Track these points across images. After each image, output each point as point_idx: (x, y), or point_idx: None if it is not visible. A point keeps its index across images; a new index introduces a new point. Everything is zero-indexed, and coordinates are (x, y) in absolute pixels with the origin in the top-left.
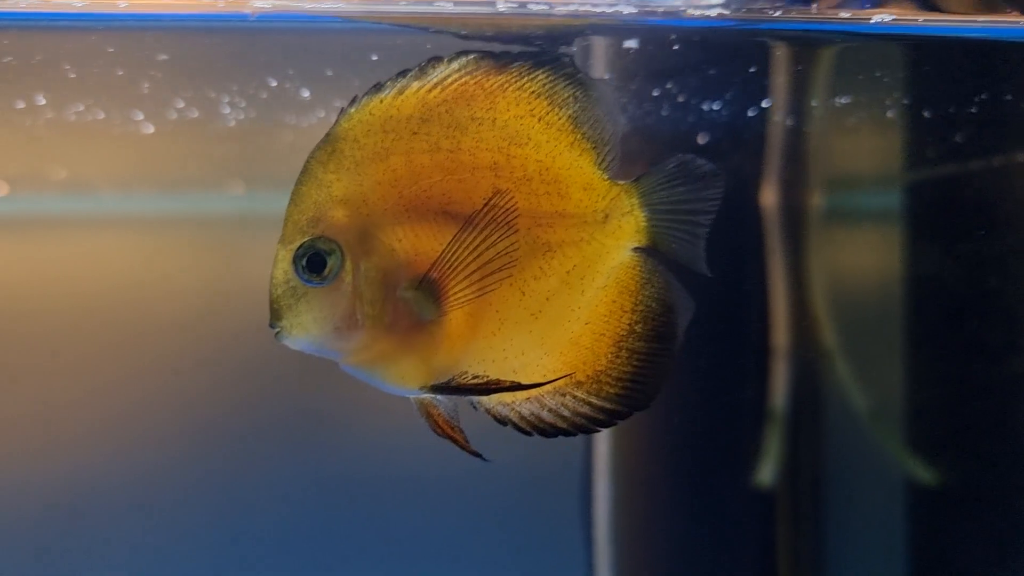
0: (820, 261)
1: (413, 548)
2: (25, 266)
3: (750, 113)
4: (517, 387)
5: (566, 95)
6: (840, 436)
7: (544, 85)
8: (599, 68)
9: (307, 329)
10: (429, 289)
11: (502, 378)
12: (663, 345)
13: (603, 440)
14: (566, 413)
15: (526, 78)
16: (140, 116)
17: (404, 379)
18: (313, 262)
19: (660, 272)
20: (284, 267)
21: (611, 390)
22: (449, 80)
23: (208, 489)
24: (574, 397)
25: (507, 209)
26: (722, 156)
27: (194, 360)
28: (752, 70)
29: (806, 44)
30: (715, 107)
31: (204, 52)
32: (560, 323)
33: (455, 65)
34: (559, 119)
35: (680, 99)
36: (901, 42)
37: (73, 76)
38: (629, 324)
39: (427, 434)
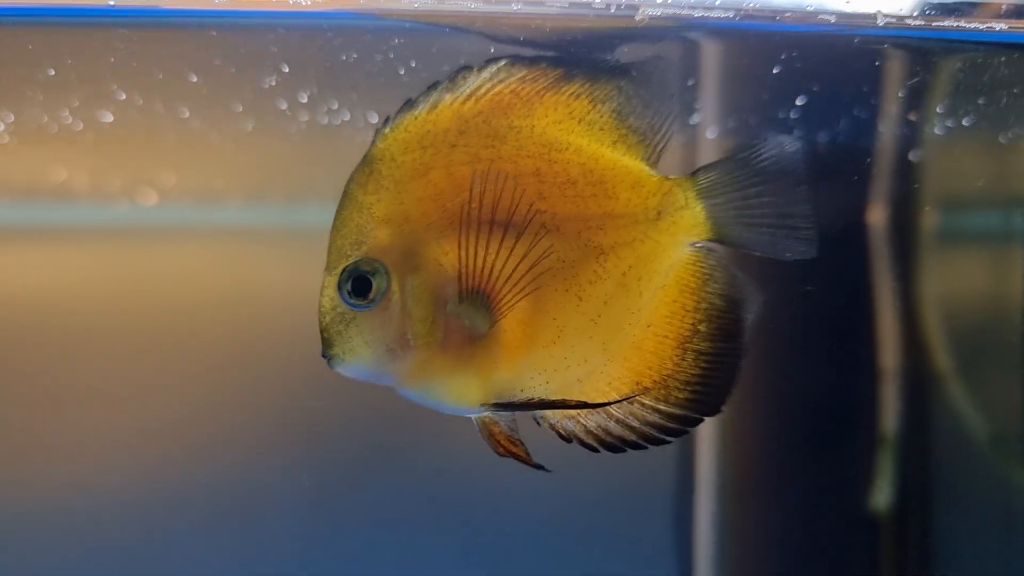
0: (933, 282)
1: (491, 567)
2: (112, 275)
3: (862, 128)
4: (583, 405)
5: (608, 89)
6: (954, 461)
7: (583, 85)
8: (706, 76)
9: (359, 354)
10: (479, 301)
11: (565, 388)
12: (730, 344)
13: (706, 460)
14: (634, 423)
15: (564, 81)
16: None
17: (463, 398)
18: (358, 285)
19: (723, 267)
20: (330, 294)
21: (679, 395)
22: (483, 90)
23: (286, 502)
24: (642, 405)
25: (545, 212)
26: (833, 173)
27: (283, 370)
28: (865, 83)
29: (924, 54)
30: (825, 121)
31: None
32: (621, 327)
33: (486, 74)
34: (601, 116)
35: (788, 113)
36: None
37: (194, 80)
38: (693, 324)
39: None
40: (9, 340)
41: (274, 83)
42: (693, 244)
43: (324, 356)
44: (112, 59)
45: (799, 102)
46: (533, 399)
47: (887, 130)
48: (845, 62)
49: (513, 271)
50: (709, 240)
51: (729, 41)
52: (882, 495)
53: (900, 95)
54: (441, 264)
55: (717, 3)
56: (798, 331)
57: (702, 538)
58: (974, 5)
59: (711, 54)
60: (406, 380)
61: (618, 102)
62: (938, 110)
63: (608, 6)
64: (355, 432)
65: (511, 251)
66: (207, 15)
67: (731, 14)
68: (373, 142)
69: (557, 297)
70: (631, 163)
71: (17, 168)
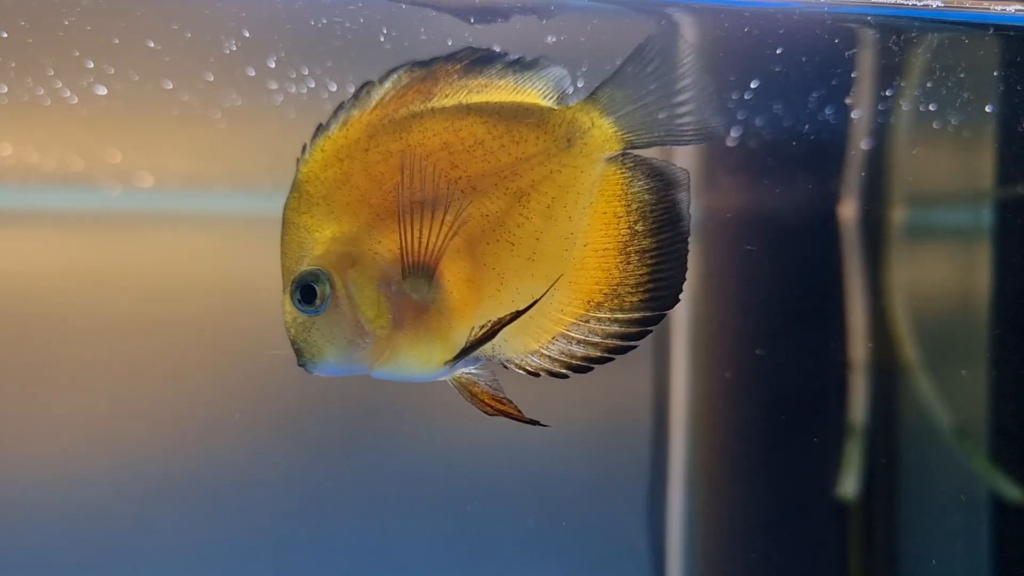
0: (902, 276)
1: (473, 555)
2: (106, 260)
3: (834, 125)
4: (517, 314)
5: (505, 73)
6: (920, 451)
7: (481, 73)
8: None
9: (326, 354)
10: (417, 274)
11: (521, 328)
12: (671, 232)
13: (679, 449)
14: (595, 339)
15: (464, 73)
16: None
17: (430, 362)
18: (306, 294)
19: (642, 162)
20: (288, 308)
21: (633, 299)
22: (387, 98)
23: (279, 483)
24: (598, 320)
25: (461, 178)
26: (802, 166)
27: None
28: (837, 79)
29: (897, 32)
30: (796, 113)
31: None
32: (559, 256)
33: (388, 84)
34: (498, 88)
35: (761, 103)
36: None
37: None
38: (629, 227)
39: (489, 437)
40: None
41: (273, 65)
42: (608, 157)
43: (300, 364)
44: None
45: (776, 106)
46: (477, 337)
47: (858, 127)
48: (819, 54)
49: (443, 238)
50: (621, 150)
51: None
52: (850, 483)
53: (873, 90)
54: (377, 252)
55: None
56: (769, 322)
57: (674, 526)
58: None
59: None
60: (374, 364)
61: (514, 78)
62: (907, 104)
63: None
64: (340, 417)
65: (438, 222)
66: None
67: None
68: (297, 170)
69: (491, 248)
70: (531, 104)
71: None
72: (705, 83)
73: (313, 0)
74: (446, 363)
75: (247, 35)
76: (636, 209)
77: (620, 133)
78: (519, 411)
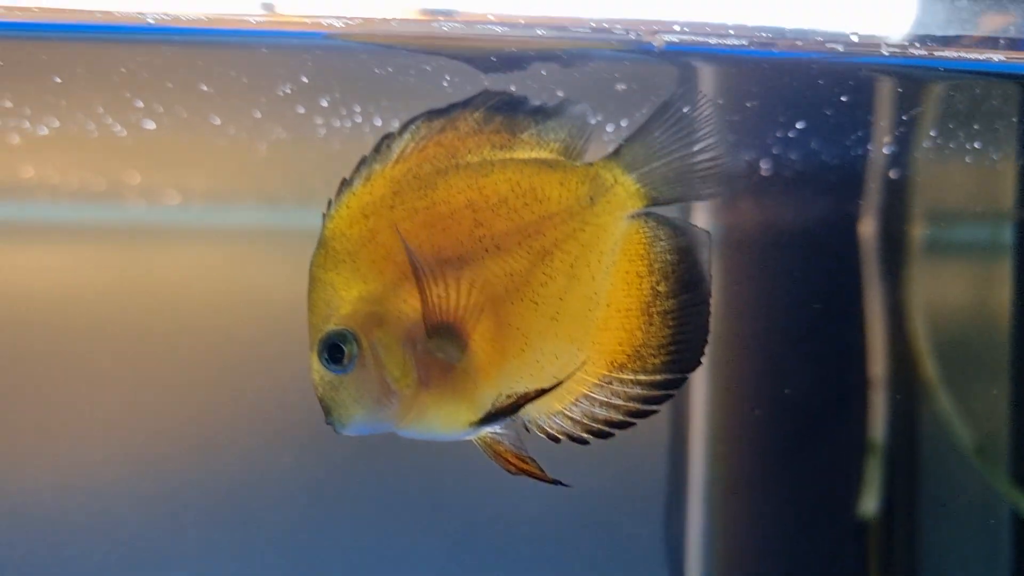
0: (922, 293)
1: (487, 563)
2: (125, 274)
3: (853, 143)
4: (542, 392)
5: (525, 123)
6: (940, 468)
7: (502, 124)
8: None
9: (353, 413)
10: (444, 334)
11: (544, 387)
12: (693, 293)
13: (698, 466)
14: (618, 402)
15: (484, 123)
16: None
17: (456, 422)
18: (333, 353)
19: (663, 223)
20: (316, 367)
21: (656, 360)
22: (408, 150)
23: (300, 489)
24: (621, 381)
25: (485, 236)
26: (822, 186)
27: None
28: (858, 103)
29: (914, 80)
30: (817, 138)
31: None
32: (582, 315)
33: (407, 136)
34: (521, 141)
35: (785, 130)
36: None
37: (204, 89)
38: (651, 287)
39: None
40: (21, 336)
41: (289, 91)
42: (630, 215)
43: (327, 423)
44: (123, 69)
45: (798, 124)
46: (507, 401)
47: (879, 147)
48: (839, 84)
49: (469, 298)
50: (644, 207)
51: (729, 65)
52: (870, 501)
53: (893, 116)
54: (403, 312)
55: (731, 31)
56: (789, 339)
57: (693, 543)
58: (964, 37)
59: (708, 75)
60: (400, 423)
61: (536, 129)
62: (930, 131)
63: (628, 31)
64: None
65: (462, 282)
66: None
67: (744, 42)
68: (323, 225)
69: (515, 308)
70: (554, 161)
71: (38, 169)
72: (724, 141)
73: (377, 50)
74: (471, 424)
75: (304, 80)
76: (659, 269)
77: (643, 190)
78: (542, 470)
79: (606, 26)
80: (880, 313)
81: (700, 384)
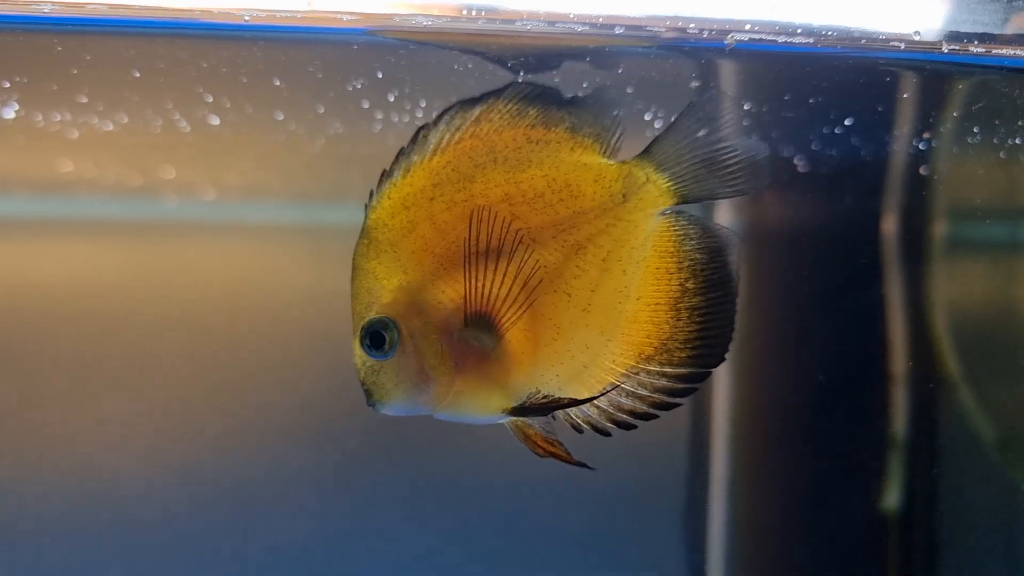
0: (943, 289)
1: (504, 561)
2: (145, 269)
3: (876, 139)
4: (576, 402)
5: (560, 115)
6: (962, 464)
7: (537, 117)
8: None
9: (392, 396)
10: (479, 324)
11: (574, 375)
12: (721, 291)
13: (720, 460)
14: (644, 392)
15: (519, 116)
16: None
17: (489, 408)
18: (375, 340)
19: (694, 223)
20: (358, 352)
21: (681, 354)
22: (445, 141)
23: (319, 488)
24: (648, 372)
25: (506, 227)
26: (844, 182)
27: (316, 365)
28: (881, 100)
29: (938, 76)
30: (838, 132)
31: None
32: (613, 307)
33: (442, 125)
34: (556, 135)
35: (808, 127)
36: None
37: (244, 82)
38: (680, 283)
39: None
40: (54, 330)
41: (359, 85)
42: (662, 212)
43: (369, 404)
44: (204, 64)
45: (821, 121)
46: (542, 401)
47: (902, 144)
48: (862, 80)
49: (505, 289)
50: (675, 205)
51: (762, 61)
52: (892, 496)
53: (916, 113)
54: (441, 302)
55: (799, 30)
56: (812, 335)
57: (715, 537)
58: (998, 35)
59: (730, 71)
60: (437, 406)
61: (570, 122)
62: (953, 128)
63: (702, 31)
64: (381, 425)
65: (498, 273)
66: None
67: (811, 40)
68: (365, 215)
69: (548, 299)
70: (590, 160)
71: (74, 164)
72: (750, 140)
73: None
74: (503, 410)
75: (380, 76)
76: (687, 267)
77: (673, 188)
78: (568, 453)
79: (680, 25)
80: (902, 309)
81: (722, 379)
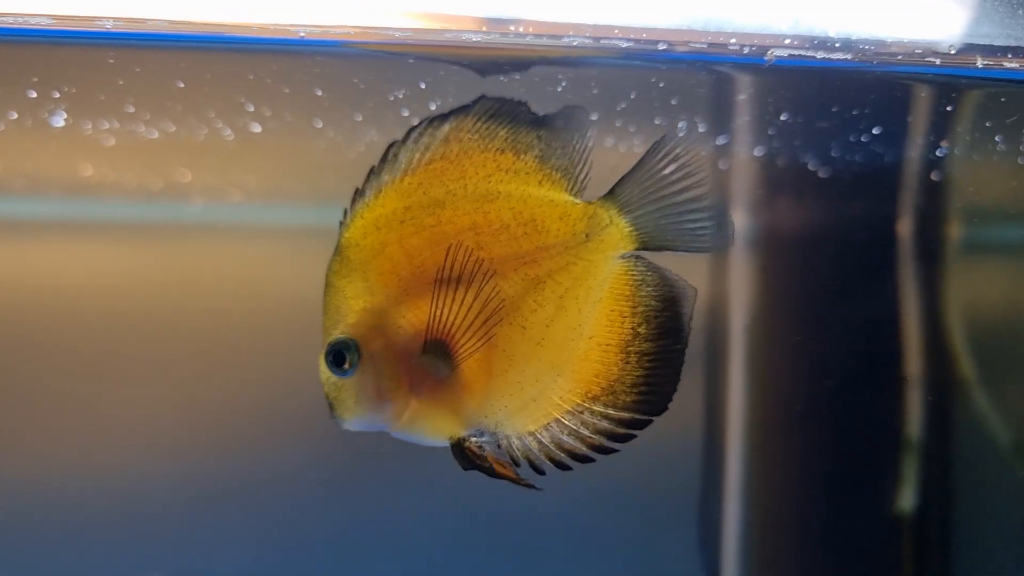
0: (958, 291)
1: (515, 566)
2: (161, 271)
3: (891, 143)
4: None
5: (529, 139)
6: (976, 467)
7: (506, 140)
8: (742, 97)
9: (352, 412)
10: (436, 350)
11: (522, 407)
12: (671, 340)
13: (734, 462)
14: (585, 433)
15: (487, 137)
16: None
17: (440, 431)
18: (336, 359)
19: (653, 270)
20: (323, 367)
21: (627, 398)
22: (415, 160)
23: (329, 488)
24: (592, 412)
25: (466, 257)
26: (859, 185)
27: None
28: (896, 104)
29: (954, 84)
30: (854, 137)
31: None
32: (565, 344)
33: (411, 143)
34: (526, 164)
35: (823, 131)
36: None
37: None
38: (632, 328)
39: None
40: (75, 331)
41: (400, 95)
42: (622, 256)
43: (331, 417)
44: (251, 76)
45: (836, 125)
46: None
47: (916, 147)
48: (877, 85)
49: (464, 319)
50: (636, 250)
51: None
52: (907, 499)
53: (931, 117)
54: (402, 326)
55: (838, 44)
56: (826, 337)
57: (728, 538)
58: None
59: (746, 78)
60: (393, 426)
61: (539, 149)
62: (968, 132)
63: (742, 48)
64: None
65: (459, 303)
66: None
67: (849, 55)
68: (340, 233)
69: (504, 331)
70: (556, 196)
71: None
72: (716, 193)
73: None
74: (453, 437)
75: (423, 86)
76: (641, 312)
77: (635, 233)
78: (518, 476)
79: (721, 40)
80: (917, 312)
81: (737, 381)
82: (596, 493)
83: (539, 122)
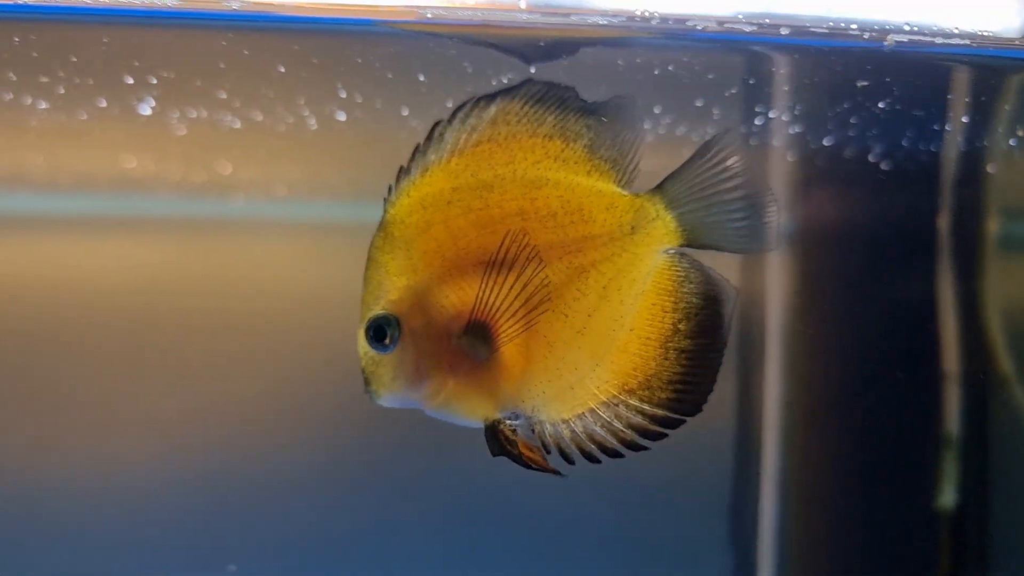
0: (997, 288)
1: (547, 562)
2: (196, 266)
3: (930, 136)
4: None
5: (578, 128)
6: (1015, 463)
7: (555, 126)
8: (779, 87)
9: (388, 388)
10: (477, 333)
11: (559, 393)
12: (710, 339)
13: (771, 458)
14: (618, 426)
15: (536, 122)
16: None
17: (475, 412)
18: (377, 334)
19: (696, 267)
20: (361, 342)
21: (662, 395)
22: (462, 142)
23: (347, 488)
24: (627, 406)
25: (520, 244)
26: (897, 179)
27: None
28: (932, 95)
29: (993, 71)
30: (894, 131)
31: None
32: (606, 334)
33: (457, 123)
34: (574, 152)
35: (862, 124)
36: None
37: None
38: (672, 323)
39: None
40: (118, 326)
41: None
42: (666, 251)
43: (366, 392)
44: (359, 60)
45: (875, 117)
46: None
47: (956, 141)
48: (916, 77)
49: (507, 303)
50: (681, 246)
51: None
52: (948, 495)
53: (972, 110)
54: (443, 306)
55: (956, 31)
56: (864, 333)
57: (765, 536)
58: None
59: (785, 65)
60: (428, 404)
61: (588, 138)
62: (1009, 125)
63: (862, 31)
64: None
65: (507, 288)
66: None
67: (967, 41)
68: (384, 210)
69: (546, 317)
70: (604, 187)
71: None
72: (763, 196)
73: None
74: (488, 419)
75: (507, 79)
76: (683, 308)
77: (680, 229)
78: (547, 462)
79: (843, 26)
80: (956, 307)
81: (774, 378)
82: (629, 489)
83: (588, 110)
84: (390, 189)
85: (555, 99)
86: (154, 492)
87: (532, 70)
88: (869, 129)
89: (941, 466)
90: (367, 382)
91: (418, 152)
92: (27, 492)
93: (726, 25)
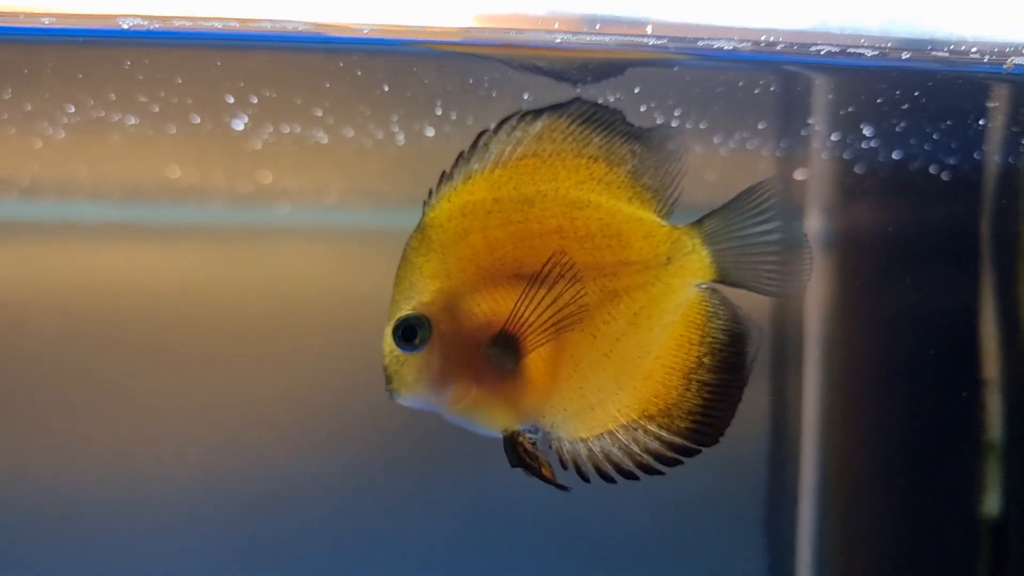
0: None
1: (579, 570)
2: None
3: (969, 143)
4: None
5: (623, 153)
6: None
7: (600, 148)
8: (816, 101)
9: (411, 388)
10: (506, 344)
11: (580, 413)
12: (731, 376)
13: (810, 467)
14: (635, 449)
15: (582, 143)
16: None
17: (495, 422)
18: (406, 334)
19: (726, 305)
20: (388, 340)
21: (681, 424)
22: (506, 154)
23: (378, 495)
24: (645, 431)
25: (563, 265)
26: (936, 184)
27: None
28: (975, 103)
29: None
30: (934, 138)
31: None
32: (631, 360)
33: (503, 135)
34: (618, 177)
35: (903, 132)
36: None
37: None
38: (697, 357)
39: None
40: (145, 332)
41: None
42: (699, 285)
43: (387, 390)
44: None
45: (916, 125)
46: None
47: (995, 147)
48: (956, 84)
49: (537, 319)
50: (713, 281)
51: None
52: (992, 502)
53: (1011, 114)
54: (474, 314)
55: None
56: (905, 339)
57: (803, 545)
58: None
59: (827, 77)
60: (449, 409)
61: (632, 164)
62: None
63: (983, 56)
64: (452, 428)
65: (543, 305)
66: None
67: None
68: (423, 212)
69: (575, 336)
70: (644, 216)
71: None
72: (799, 244)
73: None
74: (506, 430)
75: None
76: (708, 343)
77: (714, 265)
78: (553, 475)
79: (962, 48)
80: (996, 313)
81: (813, 385)
82: (665, 499)
83: (634, 135)
84: (431, 193)
85: (602, 121)
86: (195, 495)
87: (577, 90)
88: (910, 137)
89: (984, 473)
90: (388, 380)
91: (461, 159)
92: (65, 494)
93: (796, 47)
